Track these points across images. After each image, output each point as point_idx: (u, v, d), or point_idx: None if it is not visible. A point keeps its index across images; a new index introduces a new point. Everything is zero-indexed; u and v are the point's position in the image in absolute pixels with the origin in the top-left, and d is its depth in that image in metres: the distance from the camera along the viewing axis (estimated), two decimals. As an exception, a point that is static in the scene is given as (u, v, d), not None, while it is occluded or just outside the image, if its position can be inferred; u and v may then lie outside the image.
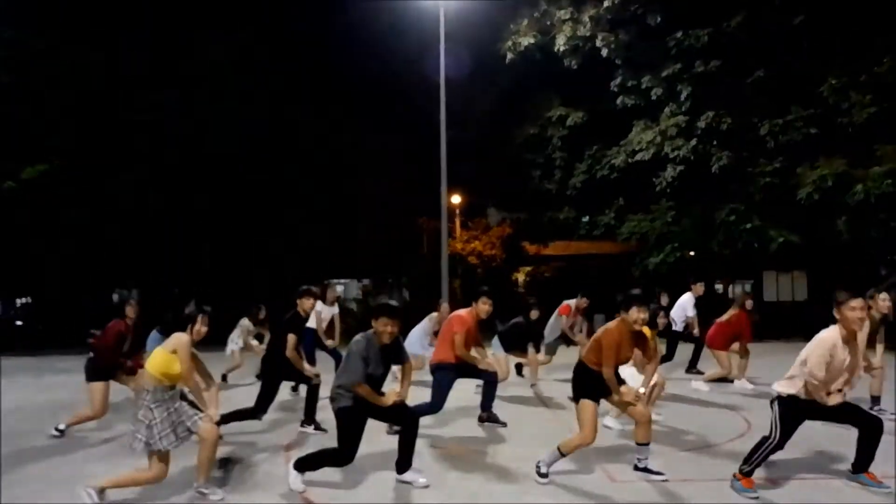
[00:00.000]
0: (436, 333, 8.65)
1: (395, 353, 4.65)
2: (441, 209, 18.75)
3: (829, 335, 4.28)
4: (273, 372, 6.15)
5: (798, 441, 5.46)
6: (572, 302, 9.29)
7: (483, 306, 6.28)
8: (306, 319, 6.46)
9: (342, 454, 4.43)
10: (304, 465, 4.51)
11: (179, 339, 4.30)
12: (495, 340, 8.28)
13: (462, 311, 6.43)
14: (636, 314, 4.45)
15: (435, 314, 9.11)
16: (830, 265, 17.18)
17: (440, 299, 9.87)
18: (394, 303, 4.58)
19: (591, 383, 4.58)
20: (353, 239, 23.67)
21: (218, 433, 4.47)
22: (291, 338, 6.03)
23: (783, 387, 4.40)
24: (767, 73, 15.85)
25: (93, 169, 18.06)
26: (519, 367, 9.40)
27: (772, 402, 4.45)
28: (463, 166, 19.71)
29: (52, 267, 17.31)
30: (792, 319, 17.72)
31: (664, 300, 9.14)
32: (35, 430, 6.41)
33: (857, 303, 4.19)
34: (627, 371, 5.79)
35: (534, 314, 8.59)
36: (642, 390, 4.78)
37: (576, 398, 4.64)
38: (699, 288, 9.41)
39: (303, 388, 6.64)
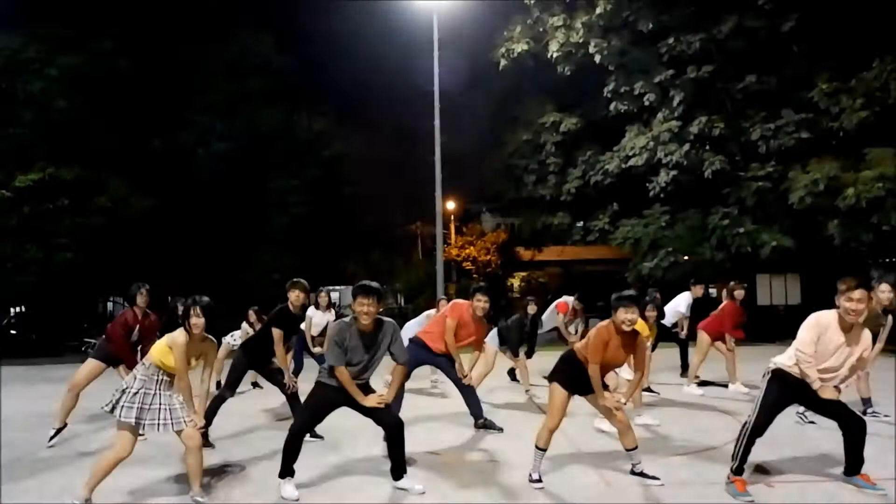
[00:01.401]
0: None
1: (379, 341, 4.49)
2: (436, 215, 18.81)
3: (824, 314, 4.29)
4: (246, 356, 6.14)
5: (793, 442, 5.50)
6: (570, 299, 9.26)
7: (478, 303, 6.26)
8: (298, 315, 6.33)
9: (298, 421, 4.51)
10: (283, 468, 4.50)
11: (175, 338, 4.32)
12: (493, 332, 8.23)
13: (460, 303, 6.49)
14: (623, 315, 4.47)
15: (432, 311, 9.08)
16: (823, 268, 17.27)
17: (439, 298, 9.85)
18: (372, 283, 4.42)
19: (572, 373, 4.63)
20: (348, 245, 23.71)
21: (200, 440, 4.44)
22: (276, 332, 5.92)
23: (778, 358, 4.45)
24: (759, 78, 15.97)
25: (85, 177, 18.07)
26: (512, 372, 9.39)
27: (764, 376, 4.48)
28: (457, 172, 19.78)
29: (46, 276, 17.23)
30: (785, 323, 17.81)
31: (656, 294, 9.19)
32: (28, 440, 6.37)
33: (856, 294, 4.07)
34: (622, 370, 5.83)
35: (531, 308, 8.52)
36: (623, 400, 4.74)
37: (550, 379, 4.70)
38: (698, 289, 9.43)
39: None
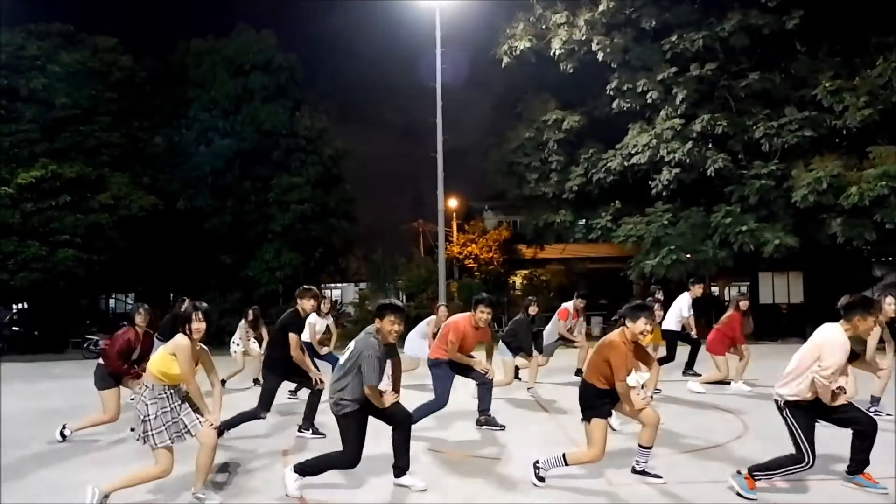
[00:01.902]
0: (434, 335, 8.69)
1: (392, 350, 4.66)
2: (438, 212, 18.82)
3: (843, 338, 4.22)
4: (274, 370, 6.12)
5: (795, 442, 5.49)
6: (570, 305, 9.29)
7: (481, 315, 6.24)
8: (303, 319, 6.36)
9: (349, 457, 4.42)
10: (306, 469, 4.48)
11: (178, 342, 4.31)
12: (501, 345, 8.27)
13: (460, 319, 6.42)
14: (643, 325, 4.42)
15: (433, 317, 9.14)
16: (826, 266, 17.24)
17: (438, 302, 9.85)
18: (398, 302, 4.58)
19: (599, 401, 4.53)
20: (349, 243, 23.71)
21: (216, 438, 4.46)
22: (293, 337, 5.95)
23: (790, 389, 4.29)
24: (762, 75, 15.93)
25: (87, 174, 18.09)
26: (516, 371, 9.39)
27: (782, 410, 4.34)
28: (459, 170, 19.80)
29: (48, 273, 17.26)
30: (788, 321, 17.79)
31: (659, 295, 9.20)
32: (30, 437, 6.38)
33: (874, 319, 4.21)
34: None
35: (532, 309, 8.55)
36: (648, 394, 4.77)
37: (587, 418, 4.56)
38: (698, 289, 9.39)
39: (302, 392, 6.62)
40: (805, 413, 4.28)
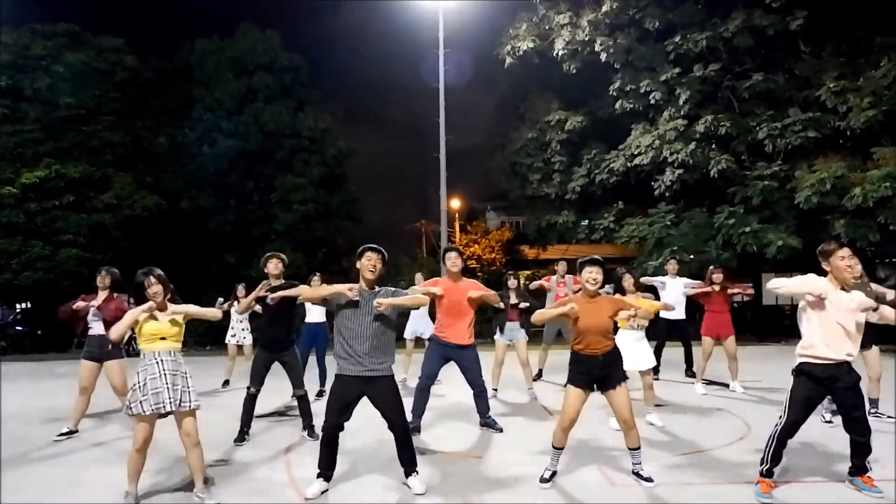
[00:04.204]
0: (431, 317, 8.72)
1: (375, 302, 4.47)
2: (441, 213, 18.84)
3: (819, 279, 4.25)
4: (265, 346, 6.16)
5: (798, 443, 5.47)
6: (554, 277, 9.57)
7: (448, 262, 6.26)
8: (296, 301, 6.05)
9: (324, 422, 4.52)
10: (318, 464, 4.58)
11: (133, 311, 4.36)
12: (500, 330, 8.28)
13: (439, 278, 6.60)
14: (587, 274, 4.68)
15: (414, 287, 9.23)
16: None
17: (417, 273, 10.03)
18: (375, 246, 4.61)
19: (580, 370, 4.66)
20: (353, 242, 23.73)
21: (197, 437, 4.43)
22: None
23: (799, 348, 4.36)
24: (766, 76, 15.89)
25: (91, 174, 18.14)
26: (540, 374, 9.46)
27: (792, 372, 4.40)
28: (462, 170, 19.81)
29: (52, 272, 17.31)
30: (791, 322, 17.71)
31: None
32: (32, 436, 6.41)
33: (845, 251, 4.16)
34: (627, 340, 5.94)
35: (511, 283, 8.39)
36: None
37: (567, 384, 4.77)
38: (673, 265, 9.31)
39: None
40: (808, 380, 4.26)
